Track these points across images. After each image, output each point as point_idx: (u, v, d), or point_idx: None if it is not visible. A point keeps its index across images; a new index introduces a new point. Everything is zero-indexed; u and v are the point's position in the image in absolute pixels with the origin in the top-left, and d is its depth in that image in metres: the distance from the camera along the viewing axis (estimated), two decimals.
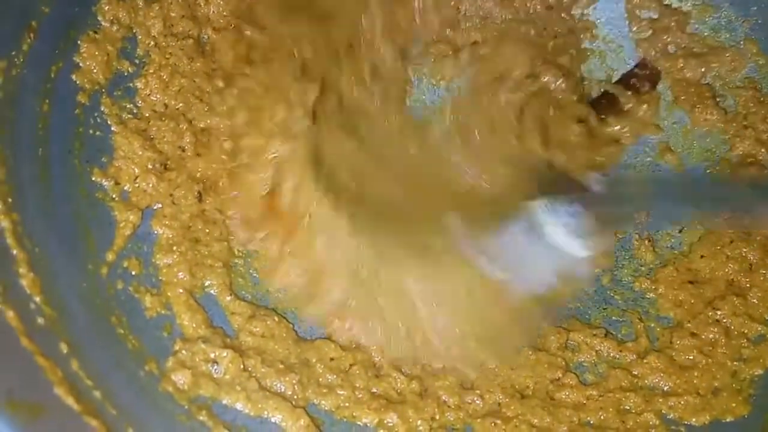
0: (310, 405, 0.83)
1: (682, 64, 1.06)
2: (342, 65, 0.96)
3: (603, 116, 1.02)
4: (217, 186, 0.93)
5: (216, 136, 0.95)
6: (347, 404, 0.84)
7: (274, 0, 0.97)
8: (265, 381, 0.83)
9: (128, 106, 0.91)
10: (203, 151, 0.94)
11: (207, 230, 0.91)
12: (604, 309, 0.96)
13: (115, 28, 0.91)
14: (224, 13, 0.99)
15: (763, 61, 1.05)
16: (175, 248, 0.87)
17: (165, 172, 0.91)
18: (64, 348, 0.72)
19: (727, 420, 0.84)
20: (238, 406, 0.80)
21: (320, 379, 0.85)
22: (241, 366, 0.83)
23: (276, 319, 0.88)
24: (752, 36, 1.06)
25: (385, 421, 0.83)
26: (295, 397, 0.83)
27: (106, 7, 0.90)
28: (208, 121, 0.95)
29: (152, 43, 0.95)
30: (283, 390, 0.83)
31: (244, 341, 0.85)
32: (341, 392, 0.84)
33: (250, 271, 0.92)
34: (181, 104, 0.95)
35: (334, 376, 0.86)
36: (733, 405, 0.84)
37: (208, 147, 0.95)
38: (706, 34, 1.08)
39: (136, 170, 0.89)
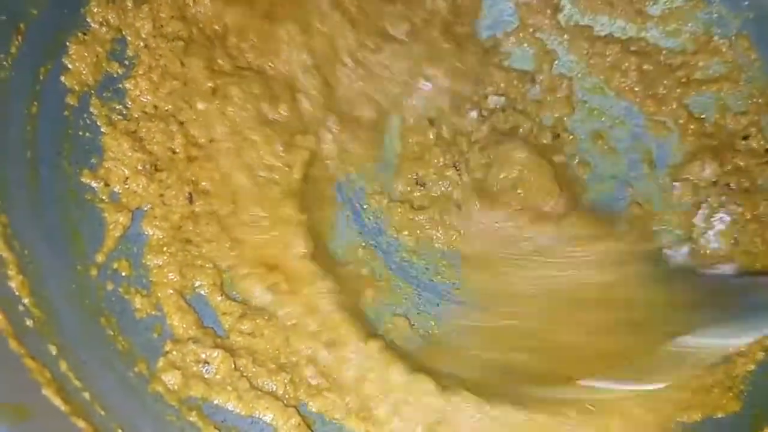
0: (302, 405, 0.83)
1: None
2: None
3: None
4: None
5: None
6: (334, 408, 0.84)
7: None
8: (257, 380, 0.83)
9: (118, 107, 0.91)
10: (197, 155, 0.94)
11: (197, 231, 0.90)
12: None
13: (104, 29, 0.91)
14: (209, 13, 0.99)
15: (754, 56, 1.05)
16: (165, 249, 0.87)
17: (155, 173, 0.91)
18: (52, 350, 0.72)
19: (719, 416, 0.84)
20: (230, 406, 0.81)
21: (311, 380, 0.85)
22: (233, 366, 0.82)
23: (266, 317, 0.88)
24: (744, 32, 1.06)
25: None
26: (287, 396, 0.83)
27: (95, 9, 0.90)
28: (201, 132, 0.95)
29: (142, 44, 0.95)
30: (274, 389, 0.83)
31: (235, 341, 0.85)
32: (329, 395, 0.84)
33: None
34: (170, 106, 0.95)
35: (323, 380, 0.86)
36: (724, 401, 0.84)
37: (205, 155, 0.95)
38: (697, 29, 1.08)
39: (126, 171, 0.89)
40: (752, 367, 0.86)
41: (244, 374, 0.83)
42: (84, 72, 0.88)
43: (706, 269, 0.93)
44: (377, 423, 0.83)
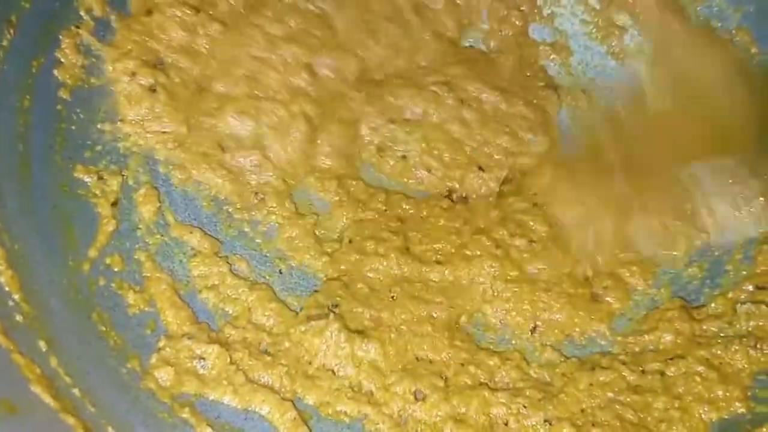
0: (298, 400, 0.82)
1: None
2: None
3: None
4: None
5: None
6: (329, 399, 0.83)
7: None
8: (253, 374, 0.82)
9: None
10: None
11: None
12: None
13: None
14: None
15: (755, 50, 1.04)
16: None
17: None
18: (42, 346, 0.71)
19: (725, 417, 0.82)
20: (225, 400, 0.79)
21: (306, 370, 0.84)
22: (228, 360, 0.81)
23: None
24: (744, 24, 1.05)
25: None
26: (283, 389, 0.82)
27: (88, 1, 0.90)
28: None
29: None
30: (270, 382, 0.82)
31: (230, 334, 0.84)
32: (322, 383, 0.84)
33: None
34: None
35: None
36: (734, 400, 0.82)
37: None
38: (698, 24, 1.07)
39: None
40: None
41: (240, 368, 0.82)
42: (77, 65, 0.88)
43: None
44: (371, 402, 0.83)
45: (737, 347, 0.82)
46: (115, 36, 0.92)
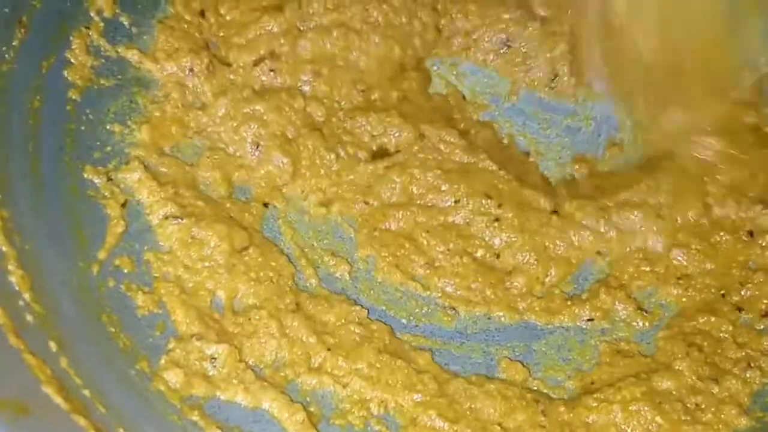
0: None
1: None
2: None
3: None
4: None
5: None
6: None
7: None
8: (262, 371, 0.82)
9: None
10: None
11: None
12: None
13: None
14: None
15: None
16: None
17: None
18: (53, 346, 0.70)
19: None
20: (238, 399, 0.79)
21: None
22: (238, 357, 0.82)
23: None
24: None
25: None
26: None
27: (99, 2, 0.90)
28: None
29: None
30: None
31: (236, 330, 0.84)
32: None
33: None
34: None
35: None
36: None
37: None
38: None
39: None
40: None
41: (249, 365, 0.82)
42: (87, 66, 0.88)
43: None
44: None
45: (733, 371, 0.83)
46: (151, 41, 0.94)
